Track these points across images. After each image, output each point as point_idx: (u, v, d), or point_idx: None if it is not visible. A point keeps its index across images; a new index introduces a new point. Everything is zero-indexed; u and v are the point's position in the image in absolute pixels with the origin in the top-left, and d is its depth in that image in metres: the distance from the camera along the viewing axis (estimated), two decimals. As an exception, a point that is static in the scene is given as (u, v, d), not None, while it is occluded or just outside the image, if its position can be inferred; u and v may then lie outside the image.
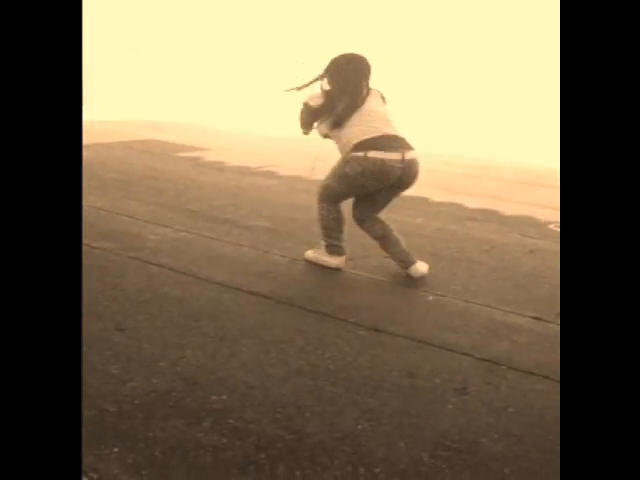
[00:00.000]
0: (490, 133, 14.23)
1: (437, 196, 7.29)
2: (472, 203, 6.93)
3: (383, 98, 4.30)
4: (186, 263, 4.11)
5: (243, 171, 8.40)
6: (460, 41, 16.61)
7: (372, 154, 3.98)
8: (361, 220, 4.30)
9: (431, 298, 3.86)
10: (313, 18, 17.11)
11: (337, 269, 4.20)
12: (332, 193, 4.18)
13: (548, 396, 2.75)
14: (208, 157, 9.41)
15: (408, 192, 7.35)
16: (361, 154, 4.01)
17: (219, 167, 8.65)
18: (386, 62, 16.38)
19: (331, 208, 4.20)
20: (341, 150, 4.18)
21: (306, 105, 4.24)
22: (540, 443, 2.39)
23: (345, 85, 4.16)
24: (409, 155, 4.08)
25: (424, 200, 7.06)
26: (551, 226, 6.27)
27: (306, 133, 4.38)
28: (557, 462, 2.26)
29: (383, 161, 3.98)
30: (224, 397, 2.52)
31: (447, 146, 12.14)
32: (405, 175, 4.11)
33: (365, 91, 4.19)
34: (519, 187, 8.68)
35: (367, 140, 4.01)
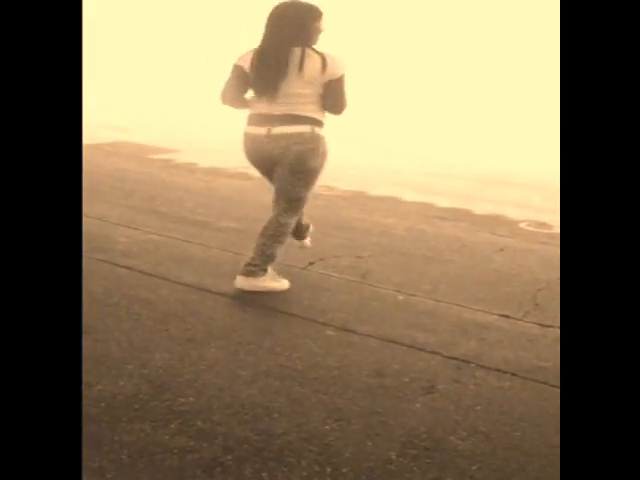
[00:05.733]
0: (461, 133, 14.32)
1: (407, 196, 7.31)
2: (442, 202, 6.96)
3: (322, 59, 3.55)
4: (155, 265, 4.09)
5: (215, 172, 8.37)
6: (434, 48, 16.80)
7: (245, 129, 3.76)
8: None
9: (401, 297, 3.87)
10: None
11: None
12: None
13: (515, 393, 2.78)
14: (179, 159, 9.35)
15: (378, 192, 7.45)
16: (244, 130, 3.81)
17: (190, 169, 8.60)
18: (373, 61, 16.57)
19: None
20: None
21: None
22: (506, 440, 2.41)
23: (263, 45, 3.64)
24: (277, 130, 3.61)
25: (394, 200, 7.08)
26: (521, 224, 6.32)
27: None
28: (522, 459, 2.30)
29: (252, 136, 3.72)
30: (191, 399, 2.51)
31: (419, 146, 12.19)
32: (281, 154, 3.64)
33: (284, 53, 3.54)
34: (488, 186, 8.73)
35: (250, 115, 3.76)
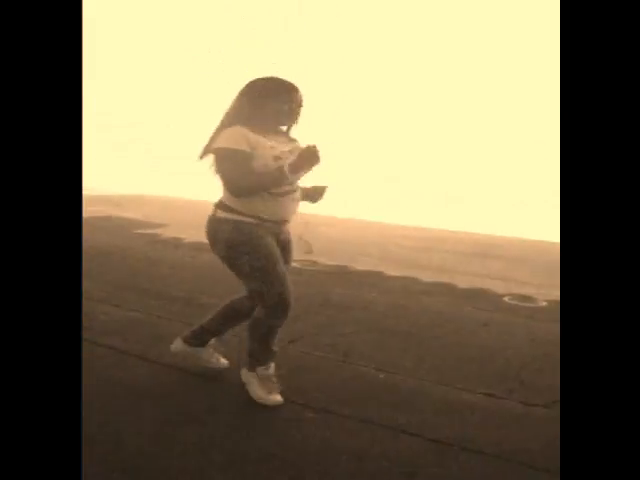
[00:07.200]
0: (444, 205, 14.46)
1: (391, 270, 7.31)
2: (426, 276, 6.95)
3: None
4: (134, 343, 4.02)
5: (199, 247, 8.34)
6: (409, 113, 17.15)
7: None
8: None
9: (382, 376, 3.80)
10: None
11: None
12: None
13: (500, 478, 2.70)
14: (166, 233, 9.36)
15: (362, 266, 7.43)
16: None
17: (176, 244, 8.59)
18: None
19: None
20: None
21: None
22: (489, 528, 2.33)
23: None
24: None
25: (378, 274, 7.07)
26: (505, 298, 6.29)
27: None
28: None
29: None
30: (163, 487, 2.43)
31: (401, 218, 12.27)
32: None
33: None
34: (473, 259, 8.75)
35: None
